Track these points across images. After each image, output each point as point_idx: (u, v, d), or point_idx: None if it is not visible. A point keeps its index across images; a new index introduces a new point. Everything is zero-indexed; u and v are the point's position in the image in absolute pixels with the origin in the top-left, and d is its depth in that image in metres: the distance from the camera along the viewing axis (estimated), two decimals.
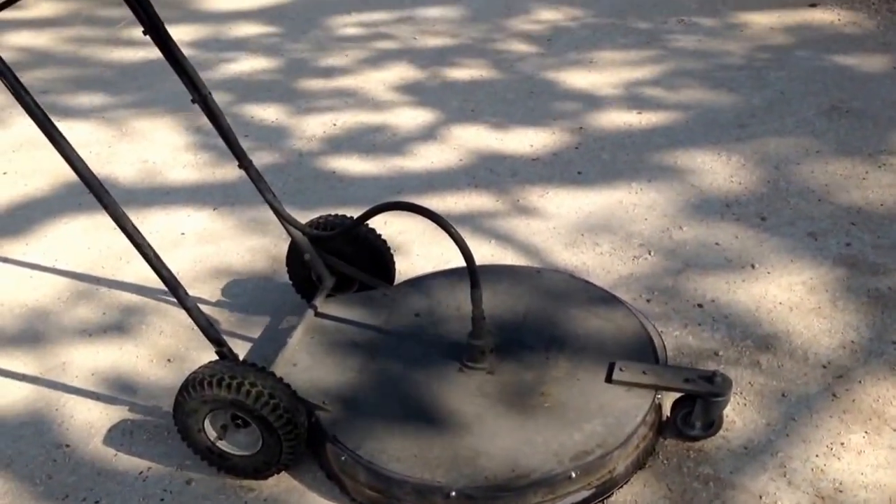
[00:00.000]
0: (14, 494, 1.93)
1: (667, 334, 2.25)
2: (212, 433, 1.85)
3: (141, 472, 1.96)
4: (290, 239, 2.23)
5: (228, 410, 1.80)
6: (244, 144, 2.11)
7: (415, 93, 3.72)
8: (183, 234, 2.83)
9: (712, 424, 1.90)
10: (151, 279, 1.99)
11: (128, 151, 3.37)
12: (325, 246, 2.23)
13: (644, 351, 2.01)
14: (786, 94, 3.48)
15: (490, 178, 3.05)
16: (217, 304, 2.49)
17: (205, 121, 2.14)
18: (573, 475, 1.73)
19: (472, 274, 1.85)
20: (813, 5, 4.34)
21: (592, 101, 3.55)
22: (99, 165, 3.22)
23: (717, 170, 3.00)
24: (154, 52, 1.92)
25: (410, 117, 3.51)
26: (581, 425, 1.82)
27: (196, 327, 1.82)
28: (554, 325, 2.10)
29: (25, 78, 2.31)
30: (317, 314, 2.17)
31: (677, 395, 1.91)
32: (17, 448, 2.05)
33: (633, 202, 2.85)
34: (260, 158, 3.19)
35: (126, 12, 1.99)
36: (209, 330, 1.82)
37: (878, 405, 2.02)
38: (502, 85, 3.74)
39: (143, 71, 4.06)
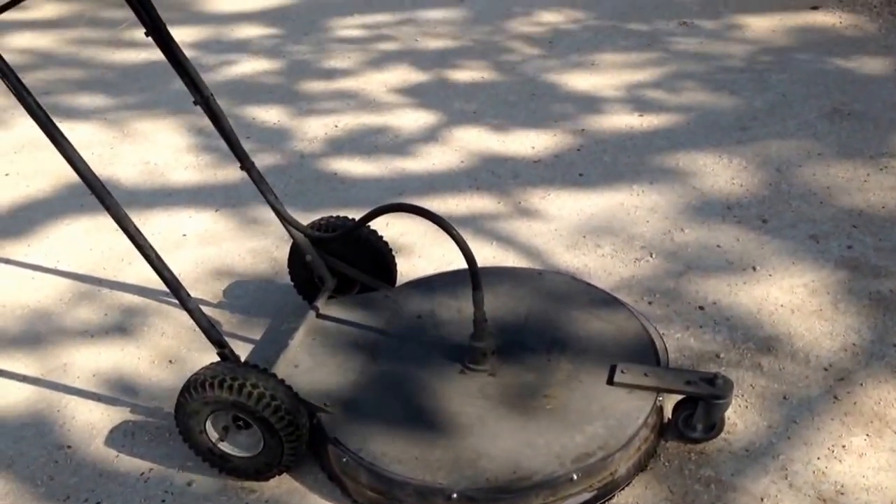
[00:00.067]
0: (15, 495, 1.93)
1: (668, 336, 2.25)
2: (213, 434, 1.85)
3: (142, 474, 1.96)
4: (291, 240, 2.23)
5: (230, 412, 1.80)
6: (246, 146, 2.11)
7: (416, 94, 3.72)
8: (185, 235, 2.83)
9: (714, 427, 1.90)
10: (153, 280, 1.99)
11: (130, 153, 3.37)
12: (327, 247, 2.23)
13: (645, 353, 2.01)
14: (787, 97, 3.48)
15: (491, 179, 3.05)
16: (218, 305, 2.49)
17: (207, 122, 2.14)
18: (575, 477, 1.73)
19: (474, 276, 1.85)
20: (814, 8, 4.34)
21: (594, 104, 3.55)
22: (101, 167, 3.22)
23: (718, 172, 3.00)
24: (156, 54, 1.93)
25: (412, 119, 3.51)
26: (583, 427, 1.82)
27: (197, 328, 1.82)
28: (555, 327, 2.10)
29: (28, 79, 2.32)
30: (318, 316, 2.17)
31: (679, 397, 1.91)
32: (19, 449, 2.06)
33: (634, 204, 2.85)
34: (261, 160, 3.19)
35: (128, 14, 2.00)
36: (211, 331, 1.82)
37: (879, 408, 2.02)
38: (504, 87, 3.74)
39: (146, 72, 4.07)
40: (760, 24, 4.20)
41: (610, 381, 1.92)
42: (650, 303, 2.39)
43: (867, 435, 1.95)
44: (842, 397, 2.05)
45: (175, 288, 1.78)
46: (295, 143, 3.37)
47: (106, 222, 2.20)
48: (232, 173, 3.14)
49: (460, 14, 4.59)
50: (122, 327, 2.43)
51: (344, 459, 1.82)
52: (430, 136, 3.38)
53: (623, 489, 1.83)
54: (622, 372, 1.92)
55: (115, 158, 3.33)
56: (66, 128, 2.40)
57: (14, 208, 3.05)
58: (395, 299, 2.22)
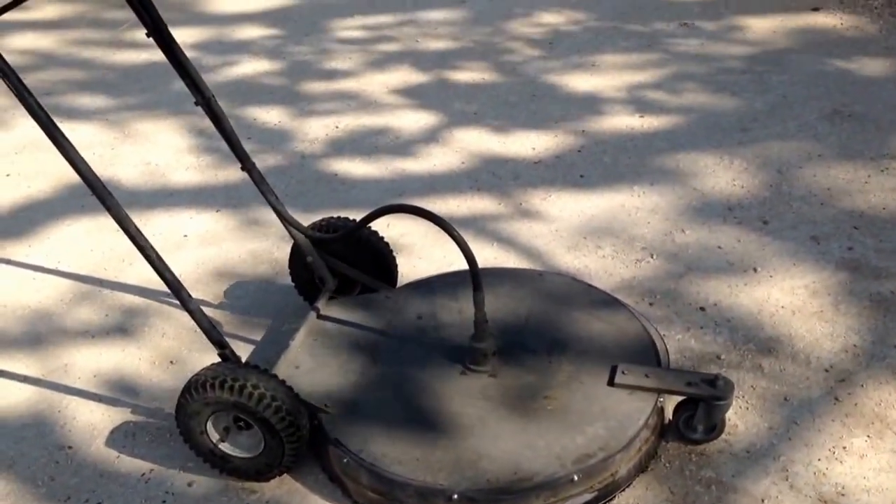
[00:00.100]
0: (16, 496, 1.93)
1: (669, 338, 2.25)
2: (214, 435, 1.85)
3: (143, 474, 1.96)
4: (292, 241, 2.23)
5: (231, 412, 1.80)
6: (247, 147, 2.11)
7: (417, 95, 3.72)
8: (186, 236, 2.83)
9: (714, 428, 1.90)
10: (154, 281, 1.99)
11: (131, 153, 3.37)
12: (328, 248, 2.23)
13: (646, 354, 2.01)
14: (788, 98, 3.49)
15: (492, 180, 3.05)
16: (219, 306, 2.49)
17: (208, 123, 2.14)
18: (575, 478, 1.73)
19: (475, 277, 1.85)
20: (815, 9, 4.34)
21: (594, 105, 3.55)
22: (102, 167, 3.22)
23: (719, 173, 3.00)
24: (157, 55, 1.93)
25: (413, 120, 3.51)
26: (583, 428, 1.82)
27: (198, 329, 1.82)
28: (556, 329, 2.10)
29: (29, 79, 2.31)
30: (319, 316, 2.17)
31: (679, 398, 1.91)
32: (20, 450, 2.06)
33: (635, 205, 2.85)
34: (262, 161, 3.19)
35: (130, 14, 2.00)
36: (211, 332, 1.82)
37: (880, 409, 2.02)
38: (504, 88, 3.74)
39: (147, 73, 4.07)
40: (761, 26, 4.21)
41: (611, 383, 1.92)
42: (651, 304, 2.39)
43: (868, 436, 1.95)
44: (842, 398, 2.05)
45: (176, 288, 1.78)
46: (296, 144, 3.38)
47: (107, 223, 2.20)
48: (233, 174, 3.14)
49: (461, 15, 4.59)
50: (122, 328, 2.43)
51: (345, 460, 1.82)
52: (430, 136, 3.38)
53: (624, 490, 1.83)
54: (623, 373, 1.92)
55: (116, 159, 3.33)
56: (67, 128, 2.40)
57: (15, 209, 3.05)
58: (395, 300, 2.22)
